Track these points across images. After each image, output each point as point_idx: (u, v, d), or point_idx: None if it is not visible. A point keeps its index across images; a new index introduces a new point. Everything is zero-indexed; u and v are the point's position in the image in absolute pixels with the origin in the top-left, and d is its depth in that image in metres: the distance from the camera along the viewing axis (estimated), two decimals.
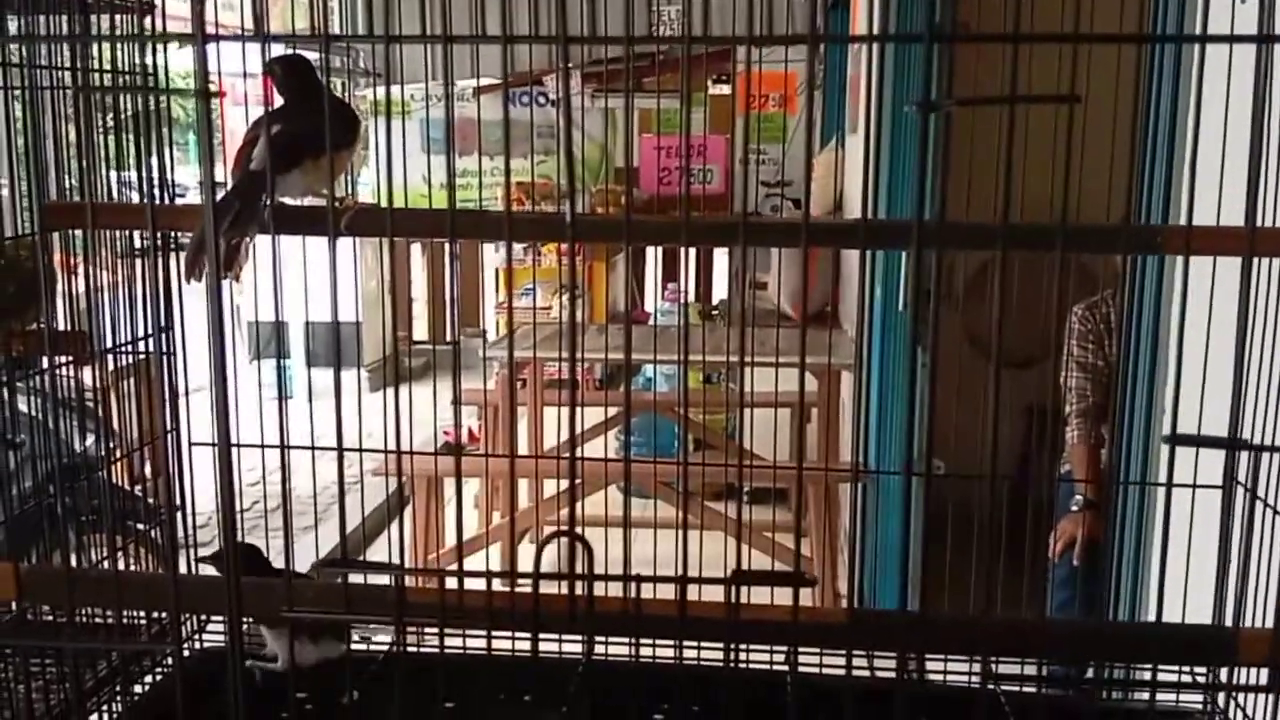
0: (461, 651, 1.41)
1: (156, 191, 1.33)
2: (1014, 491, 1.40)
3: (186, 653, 1.48)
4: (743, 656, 1.31)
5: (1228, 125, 1.12)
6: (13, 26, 1.22)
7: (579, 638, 1.39)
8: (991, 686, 0.86)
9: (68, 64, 1.29)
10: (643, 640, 1.28)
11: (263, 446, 1.31)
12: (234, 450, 1.24)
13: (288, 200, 1.19)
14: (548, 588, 0.82)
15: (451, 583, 0.85)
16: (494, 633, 1.14)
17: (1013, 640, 0.91)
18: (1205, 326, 1.16)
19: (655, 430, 4.95)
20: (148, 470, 1.65)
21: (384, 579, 1.00)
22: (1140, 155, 1.60)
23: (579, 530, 0.92)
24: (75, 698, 1.13)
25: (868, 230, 0.85)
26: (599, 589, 0.81)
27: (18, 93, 1.25)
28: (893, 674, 1.33)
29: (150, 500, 1.98)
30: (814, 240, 0.99)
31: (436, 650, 1.42)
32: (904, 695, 0.85)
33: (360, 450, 1.49)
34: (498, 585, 0.87)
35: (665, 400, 4.90)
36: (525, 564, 0.93)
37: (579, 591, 0.76)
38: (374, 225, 1.06)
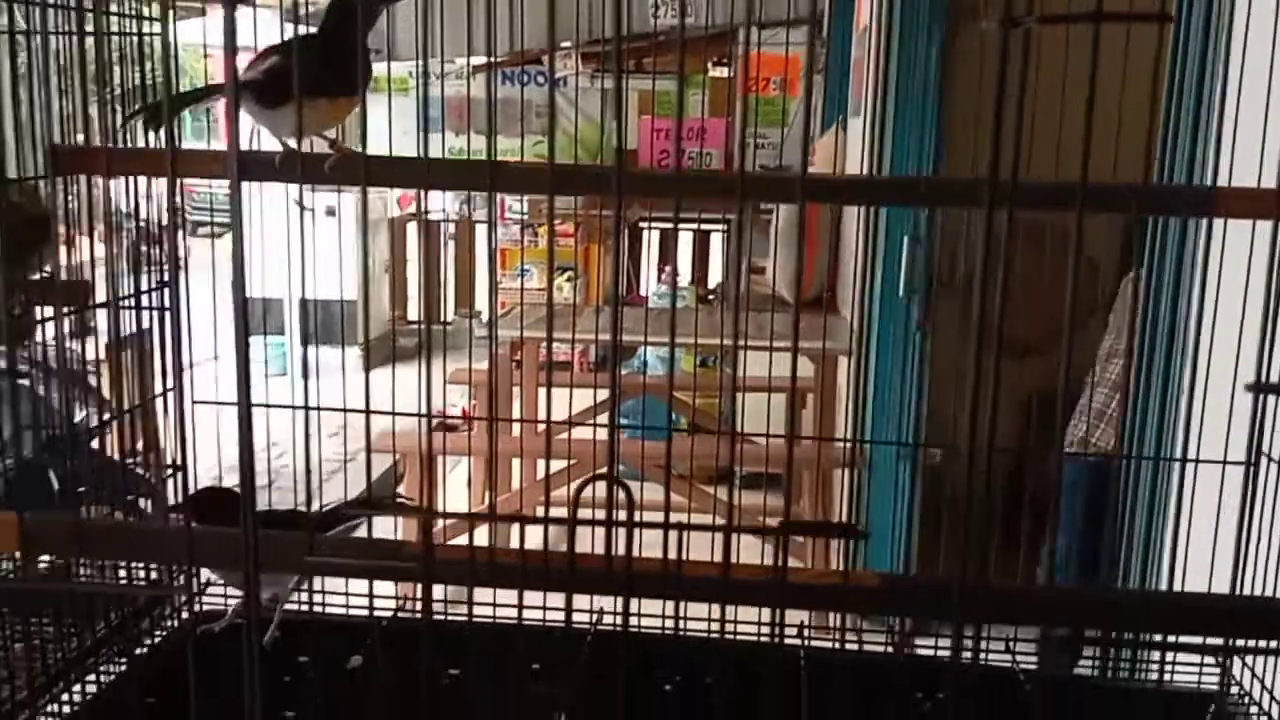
0: (465, 618, 1.38)
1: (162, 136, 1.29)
2: (1013, 478, 1.36)
3: (185, 615, 1.45)
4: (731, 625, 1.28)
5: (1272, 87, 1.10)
6: None
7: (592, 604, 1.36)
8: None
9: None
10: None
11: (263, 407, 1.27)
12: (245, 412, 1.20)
13: (285, 139, 1.12)
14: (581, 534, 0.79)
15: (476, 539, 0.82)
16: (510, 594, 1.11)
17: (1052, 608, 0.88)
18: (1241, 291, 1.13)
19: (661, 413, 4.91)
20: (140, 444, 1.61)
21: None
22: (1166, 122, 1.58)
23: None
24: (79, 653, 1.09)
25: (929, 187, 0.82)
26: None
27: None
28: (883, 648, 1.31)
29: (142, 473, 1.94)
30: (880, 198, 0.95)
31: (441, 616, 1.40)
32: (953, 676, 0.82)
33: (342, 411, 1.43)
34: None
35: (659, 383, 4.86)
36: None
37: (616, 540, 0.72)
38: (406, 176, 1.01)
